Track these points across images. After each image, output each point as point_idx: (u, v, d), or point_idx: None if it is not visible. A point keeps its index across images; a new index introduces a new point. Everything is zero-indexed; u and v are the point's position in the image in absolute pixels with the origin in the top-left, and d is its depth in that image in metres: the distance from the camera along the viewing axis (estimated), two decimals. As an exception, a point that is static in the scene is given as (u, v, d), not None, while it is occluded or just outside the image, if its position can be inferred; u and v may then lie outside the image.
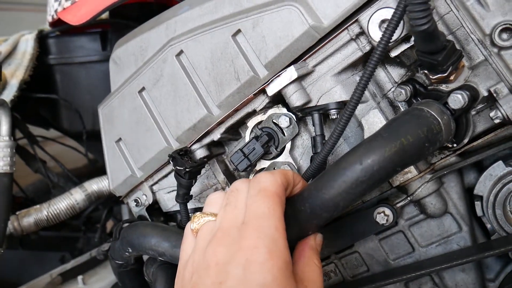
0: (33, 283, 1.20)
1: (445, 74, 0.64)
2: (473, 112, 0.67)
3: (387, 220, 0.73)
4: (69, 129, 1.46)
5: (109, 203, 1.46)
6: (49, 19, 1.37)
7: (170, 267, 0.86)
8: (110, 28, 1.40)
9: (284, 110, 0.77)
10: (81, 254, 1.39)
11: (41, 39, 1.38)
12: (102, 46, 1.37)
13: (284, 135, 0.77)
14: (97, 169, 1.54)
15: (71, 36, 1.39)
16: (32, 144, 1.44)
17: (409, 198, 0.74)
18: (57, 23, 1.34)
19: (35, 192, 1.69)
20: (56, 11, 1.28)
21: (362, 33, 0.67)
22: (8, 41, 1.37)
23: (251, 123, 0.81)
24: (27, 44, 1.34)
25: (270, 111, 0.78)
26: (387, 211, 0.73)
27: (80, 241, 1.57)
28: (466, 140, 0.68)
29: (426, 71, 0.66)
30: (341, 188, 0.57)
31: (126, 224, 0.89)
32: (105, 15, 1.42)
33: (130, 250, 0.85)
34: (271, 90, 0.73)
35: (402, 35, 0.64)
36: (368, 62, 0.60)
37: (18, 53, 1.33)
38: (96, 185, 1.23)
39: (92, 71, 1.38)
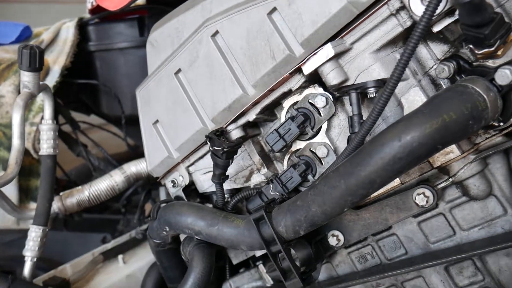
0: (77, 261, 1.25)
1: (492, 49, 0.61)
2: (522, 89, 0.64)
3: (427, 202, 0.71)
4: (108, 113, 1.50)
5: (148, 185, 1.49)
6: (89, 6, 1.41)
7: (207, 247, 0.87)
8: (147, 14, 1.42)
9: (321, 90, 0.76)
10: (121, 235, 1.43)
11: (81, 26, 1.41)
12: (139, 32, 1.39)
13: (320, 115, 0.76)
14: (137, 154, 1.57)
15: (109, 22, 1.41)
16: (74, 129, 1.49)
17: (451, 179, 0.71)
18: (96, 10, 1.37)
19: (78, 176, 1.75)
20: (95, -2, 1.31)
21: (403, 7, 0.65)
22: (50, 29, 1.41)
23: (287, 103, 0.80)
24: (68, 32, 1.37)
25: (306, 91, 0.77)
26: (427, 193, 0.71)
27: (121, 223, 1.61)
28: (513, 118, 0.64)
29: (471, 46, 0.63)
30: (377, 165, 0.57)
31: (164, 204, 0.91)
32: (142, 1, 1.44)
33: (167, 229, 0.87)
34: (307, 68, 0.72)
35: (446, 8, 0.61)
36: (409, 38, 0.58)
37: (60, 41, 1.37)
38: (134, 167, 1.26)
39: (130, 57, 1.40)
